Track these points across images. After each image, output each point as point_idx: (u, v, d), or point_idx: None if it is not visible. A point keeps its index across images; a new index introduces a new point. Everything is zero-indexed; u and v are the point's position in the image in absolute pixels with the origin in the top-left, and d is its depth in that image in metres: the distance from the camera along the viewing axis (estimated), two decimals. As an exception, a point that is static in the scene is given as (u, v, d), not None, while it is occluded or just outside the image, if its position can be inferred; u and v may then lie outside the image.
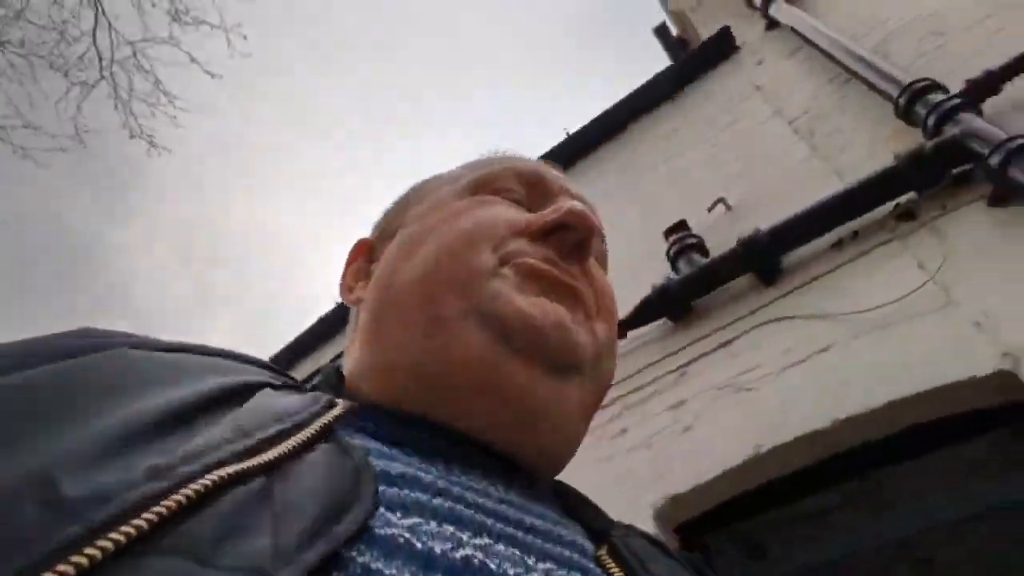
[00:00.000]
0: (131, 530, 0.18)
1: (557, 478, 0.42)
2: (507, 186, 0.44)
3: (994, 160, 1.76)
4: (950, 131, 1.95)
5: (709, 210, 2.60)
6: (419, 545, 0.24)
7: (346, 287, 0.47)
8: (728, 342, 2.13)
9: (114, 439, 0.21)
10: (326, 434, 0.28)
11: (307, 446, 0.26)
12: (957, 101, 2.00)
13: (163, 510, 0.19)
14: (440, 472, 0.31)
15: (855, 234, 2.08)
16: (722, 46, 3.42)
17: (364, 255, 0.48)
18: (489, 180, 0.44)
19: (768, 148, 2.68)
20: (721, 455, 1.84)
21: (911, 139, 2.11)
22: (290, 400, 0.29)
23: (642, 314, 2.35)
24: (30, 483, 0.19)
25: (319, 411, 0.29)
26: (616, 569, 0.31)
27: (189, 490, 0.20)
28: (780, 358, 1.95)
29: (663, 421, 2.08)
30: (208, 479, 0.21)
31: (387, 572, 0.22)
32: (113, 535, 0.18)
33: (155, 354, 0.29)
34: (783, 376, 1.90)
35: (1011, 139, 1.76)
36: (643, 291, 2.34)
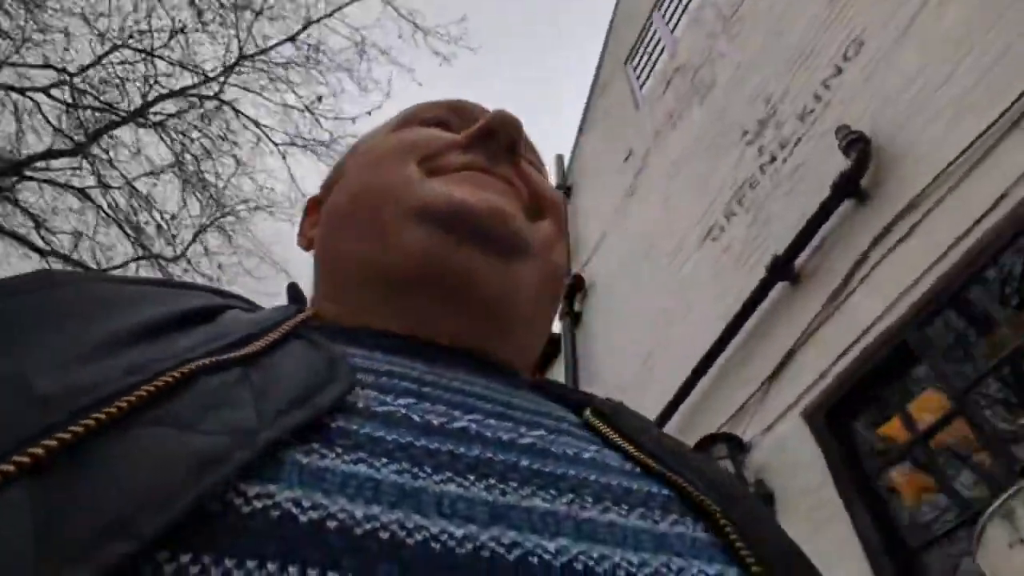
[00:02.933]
0: (112, 409, 0.18)
1: (539, 376, 0.43)
2: (433, 114, 0.45)
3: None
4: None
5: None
6: (416, 418, 0.25)
7: (300, 236, 0.49)
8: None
9: (89, 346, 0.22)
10: (296, 335, 0.29)
11: (279, 343, 0.27)
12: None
13: (143, 393, 0.19)
14: (424, 368, 0.31)
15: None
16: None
17: (314, 209, 0.49)
18: (416, 113, 0.46)
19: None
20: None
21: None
22: (260, 314, 0.31)
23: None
24: (1, 383, 0.19)
25: (288, 317, 0.30)
26: (603, 427, 0.33)
27: (168, 377, 0.21)
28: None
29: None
30: (185, 368, 0.21)
31: (388, 438, 0.23)
32: (94, 415, 0.18)
33: (123, 286, 0.31)
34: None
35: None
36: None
